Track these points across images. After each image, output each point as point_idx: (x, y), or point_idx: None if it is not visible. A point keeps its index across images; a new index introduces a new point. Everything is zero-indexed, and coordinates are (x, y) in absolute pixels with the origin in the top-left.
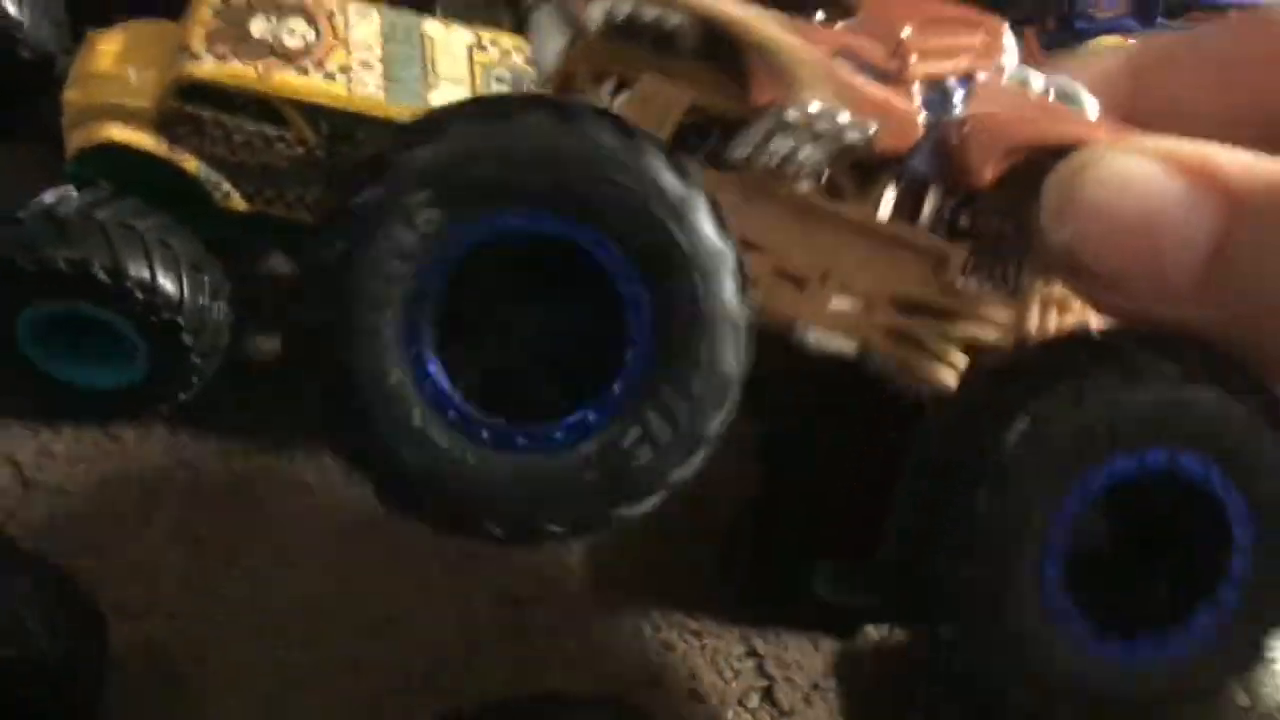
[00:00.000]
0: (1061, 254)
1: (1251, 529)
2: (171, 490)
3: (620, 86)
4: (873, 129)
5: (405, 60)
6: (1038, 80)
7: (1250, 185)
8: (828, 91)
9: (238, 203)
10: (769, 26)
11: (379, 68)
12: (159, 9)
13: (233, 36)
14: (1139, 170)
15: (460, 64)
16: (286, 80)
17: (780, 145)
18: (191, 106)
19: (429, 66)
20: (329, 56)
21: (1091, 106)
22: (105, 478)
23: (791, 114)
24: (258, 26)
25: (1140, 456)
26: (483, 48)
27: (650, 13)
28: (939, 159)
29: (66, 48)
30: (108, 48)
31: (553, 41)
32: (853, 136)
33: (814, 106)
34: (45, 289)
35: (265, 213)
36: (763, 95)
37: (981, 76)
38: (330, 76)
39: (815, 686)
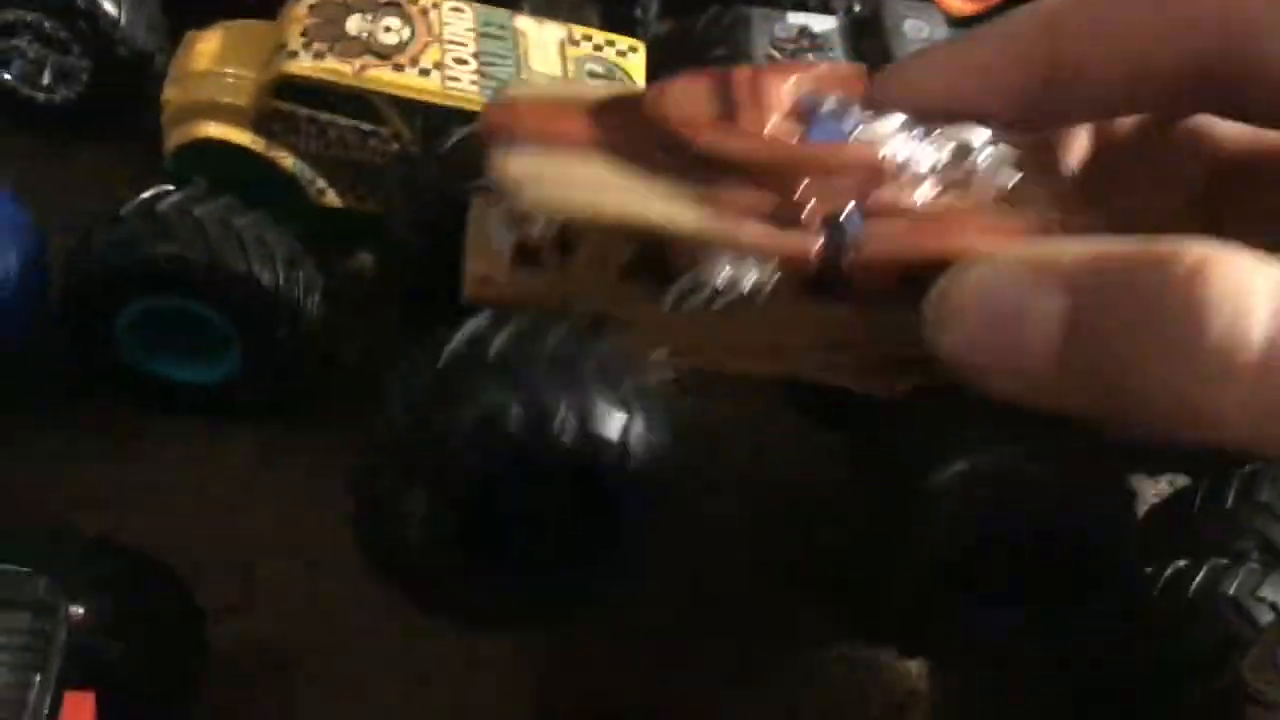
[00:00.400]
0: (947, 359)
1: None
2: (263, 488)
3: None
4: (777, 274)
5: (499, 56)
6: (928, 157)
7: (1085, 270)
8: (736, 253)
9: (333, 199)
10: (680, 214)
11: (473, 63)
12: (254, 9)
13: (329, 34)
14: (995, 279)
15: (553, 58)
16: (382, 77)
17: (700, 298)
18: (288, 104)
19: (522, 61)
20: (424, 53)
21: (979, 144)
22: (198, 474)
23: (704, 279)
24: (353, 24)
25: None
26: (574, 42)
27: (581, 220)
28: (840, 274)
29: (162, 47)
30: (205, 47)
31: (503, 237)
32: (761, 282)
33: (723, 274)
34: (143, 285)
35: (359, 209)
36: (680, 265)
37: (874, 195)
38: (425, 72)
39: (911, 692)
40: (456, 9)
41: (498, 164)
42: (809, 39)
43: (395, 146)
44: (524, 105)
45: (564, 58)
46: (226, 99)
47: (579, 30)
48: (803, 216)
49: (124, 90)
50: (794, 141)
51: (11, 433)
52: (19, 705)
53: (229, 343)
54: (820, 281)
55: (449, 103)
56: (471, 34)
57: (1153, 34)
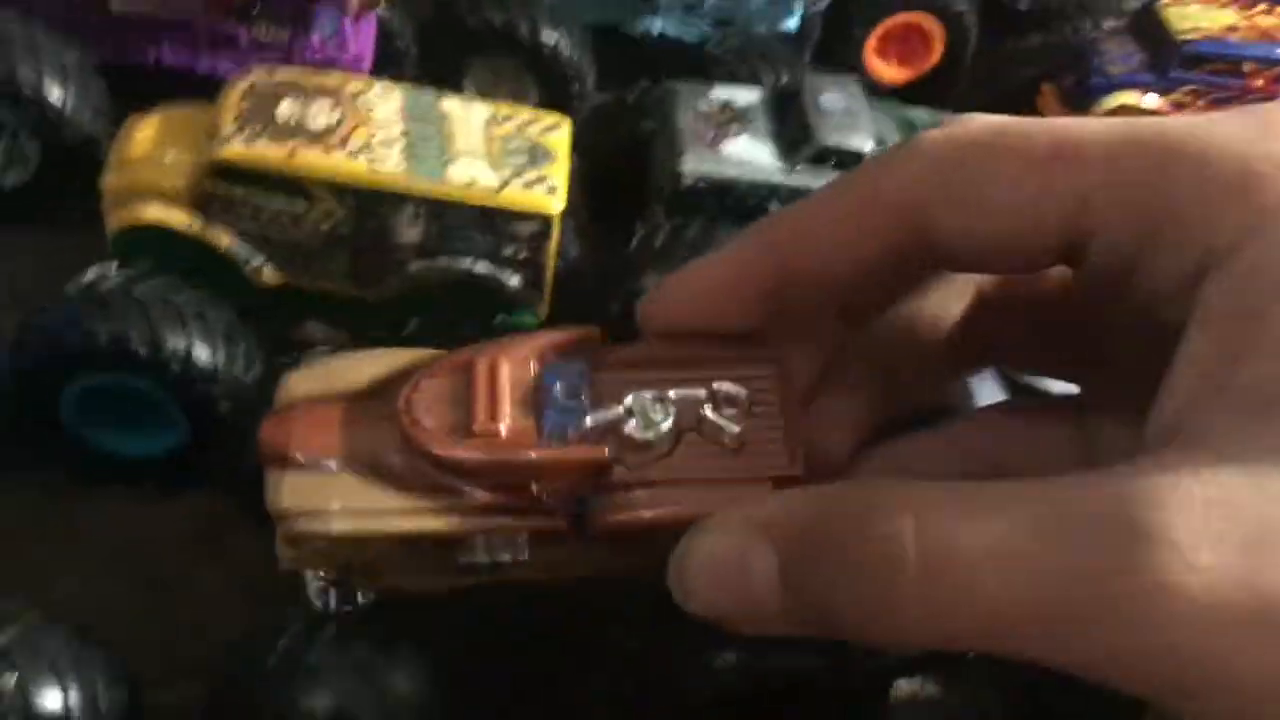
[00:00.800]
0: (694, 615)
1: None
2: (208, 557)
3: None
4: (525, 550)
5: (425, 136)
6: (661, 418)
7: (787, 528)
8: (490, 537)
9: (270, 276)
10: (432, 521)
11: (400, 144)
12: (197, 92)
13: (262, 119)
14: (719, 544)
15: (478, 138)
16: (312, 160)
17: (469, 566)
18: (224, 186)
19: (448, 141)
20: (352, 135)
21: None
22: (142, 544)
23: (470, 558)
24: (285, 109)
25: None
26: (499, 121)
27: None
28: (588, 534)
29: (110, 131)
30: (144, 132)
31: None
32: (519, 552)
33: (483, 552)
34: (86, 362)
35: (296, 285)
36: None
37: (609, 475)
38: (353, 154)
39: None
40: (385, 91)
41: (270, 490)
42: (732, 111)
43: (327, 226)
44: (296, 416)
45: (489, 136)
46: (165, 183)
47: (504, 109)
48: (543, 507)
49: (72, 173)
50: (528, 440)
51: None
52: None
53: (173, 417)
54: (573, 536)
55: (376, 183)
56: (399, 115)
57: (846, 235)
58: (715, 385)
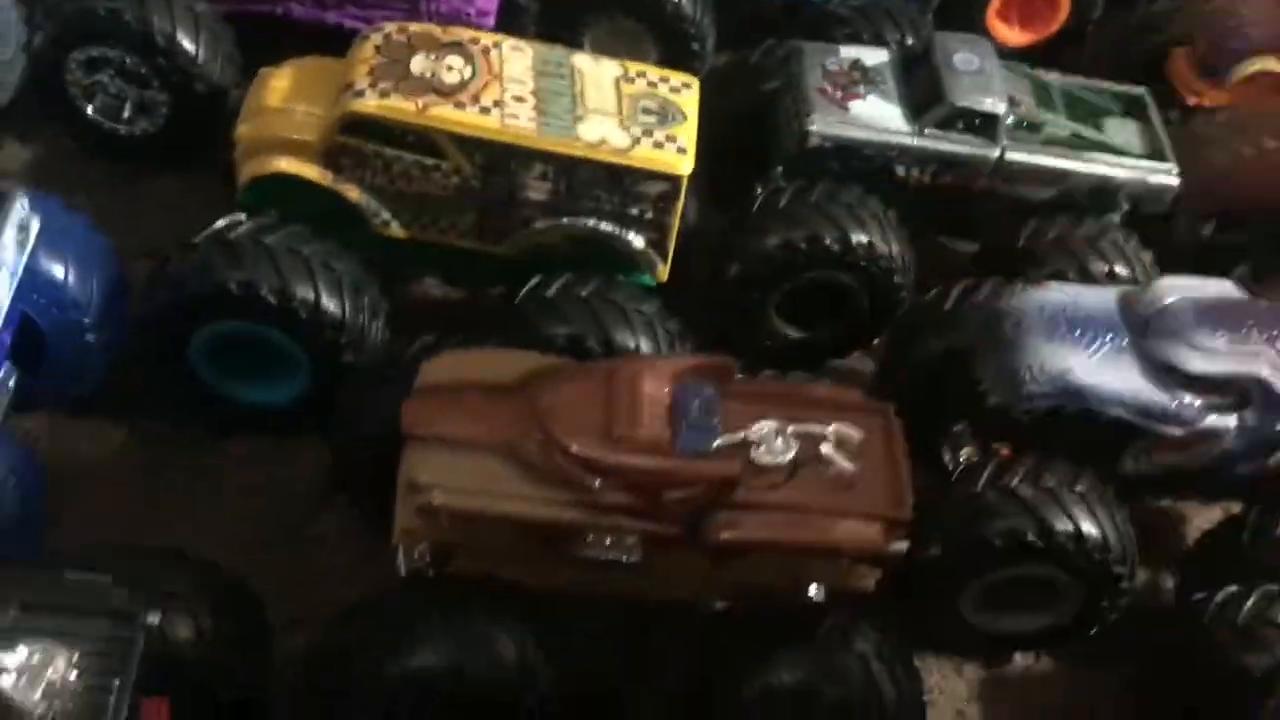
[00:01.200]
0: None
1: None
2: (327, 505)
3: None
4: (637, 553)
5: (556, 93)
6: (780, 450)
7: None
8: (608, 534)
9: (396, 229)
10: (560, 512)
11: (531, 101)
12: (323, 44)
13: (394, 73)
14: None
15: (608, 96)
16: (444, 114)
17: (582, 560)
18: (355, 140)
19: (578, 99)
20: (484, 91)
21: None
22: (269, 489)
23: (584, 551)
24: (418, 63)
25: None
26: (630, 79)
27: (477, 517)
28: (696, 545)
29: (238, 82)
30: (277, 84)
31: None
32: (630, 552)
33: (598, 548)
34: (216, 309)
35: (421, 238)
36: (565, 537)
37: (731, 495)
38: (485, 110)
39: (959, 713)
40: (516, 48)
41: (411, 463)
42: (860, 71)
43: (456, 180)
44: (439, 400)
45: (619, 94)
46: (296, 135)
47: (634, 67)
48: (665, 514)
49: (201, 123)
50: (664, 450)
51: (92, 451)
52: (99, 709)
53: (298, 366)
54: (684, 546)
55: (507, 139)
56: (530, 72)
57: None
58: (833, 425)
